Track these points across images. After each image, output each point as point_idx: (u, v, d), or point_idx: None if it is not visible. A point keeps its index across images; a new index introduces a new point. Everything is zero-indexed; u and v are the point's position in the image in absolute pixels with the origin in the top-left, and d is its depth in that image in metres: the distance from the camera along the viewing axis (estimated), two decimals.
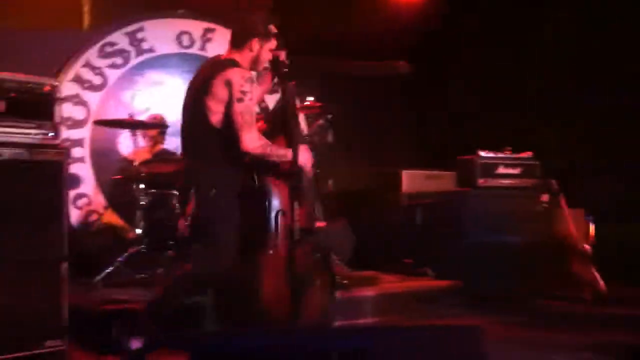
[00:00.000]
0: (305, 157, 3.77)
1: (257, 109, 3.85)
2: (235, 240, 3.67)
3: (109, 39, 6.26)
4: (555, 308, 5.40)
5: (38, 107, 3.73)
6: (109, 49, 6.25)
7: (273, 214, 3.72)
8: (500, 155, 5.90)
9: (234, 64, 3.75)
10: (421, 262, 5.79)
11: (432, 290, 5.31)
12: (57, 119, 3.79)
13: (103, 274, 4.85)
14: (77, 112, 6.09)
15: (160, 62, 6.49)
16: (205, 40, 6.69)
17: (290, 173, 3.63)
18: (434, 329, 2.86)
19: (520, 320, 5.06)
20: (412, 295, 5.02)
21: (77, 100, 6.08)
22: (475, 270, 5.52)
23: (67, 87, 5.96)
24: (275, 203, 3.74)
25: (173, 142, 6.27)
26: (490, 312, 5.19)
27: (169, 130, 6.02)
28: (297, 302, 3.53)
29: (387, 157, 7.16)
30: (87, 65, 6.15)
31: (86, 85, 6.13)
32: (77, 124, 6.08)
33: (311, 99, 5.31)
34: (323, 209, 5.07)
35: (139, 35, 6.37)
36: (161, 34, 6.49)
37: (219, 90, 3.65)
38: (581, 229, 5.59)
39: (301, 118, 6.01)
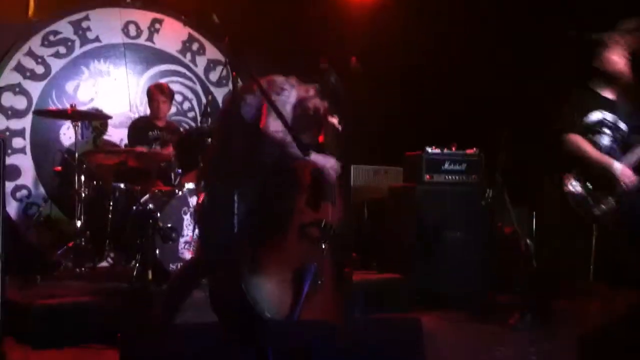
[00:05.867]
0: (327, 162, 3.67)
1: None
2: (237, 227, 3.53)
3: (52, 27, 6.12)
4: (500, 302, 5.45)
5: None
6: (52, 38, 6.11)
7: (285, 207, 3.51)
8: (446, 151, 5.94)
9: None
10: (368, 257, 5.81)
11: (378, 285, 5.32)
12: None
13: (42, 268, 4.73)
14: (17, 102, 5.95)
15: (106, 52, 6.37)
16: (153, 30, 6.59)
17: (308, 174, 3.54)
18: (373, 322, 2.86)
19: (465, 314, 5.09)
20: (359, 289, 5.01)
21: (18, 90, 5.93)
22: (419, 265, 5.56)
23: (8, 76, 5.82)
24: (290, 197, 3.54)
25: (117, 134, 6.18)
26: (435, 306, 5.23)
27: (112, 122, 5.91)
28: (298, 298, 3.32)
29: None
30: (30, 53, 6.01)
31: (28, 74, 5.98)
32: (18, 113, 5.93)
33: None
34: None
35: (84, 24, 6.24)
36: (107, 24, 6.37)
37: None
38: (524, 226, 5.67)
39: None
